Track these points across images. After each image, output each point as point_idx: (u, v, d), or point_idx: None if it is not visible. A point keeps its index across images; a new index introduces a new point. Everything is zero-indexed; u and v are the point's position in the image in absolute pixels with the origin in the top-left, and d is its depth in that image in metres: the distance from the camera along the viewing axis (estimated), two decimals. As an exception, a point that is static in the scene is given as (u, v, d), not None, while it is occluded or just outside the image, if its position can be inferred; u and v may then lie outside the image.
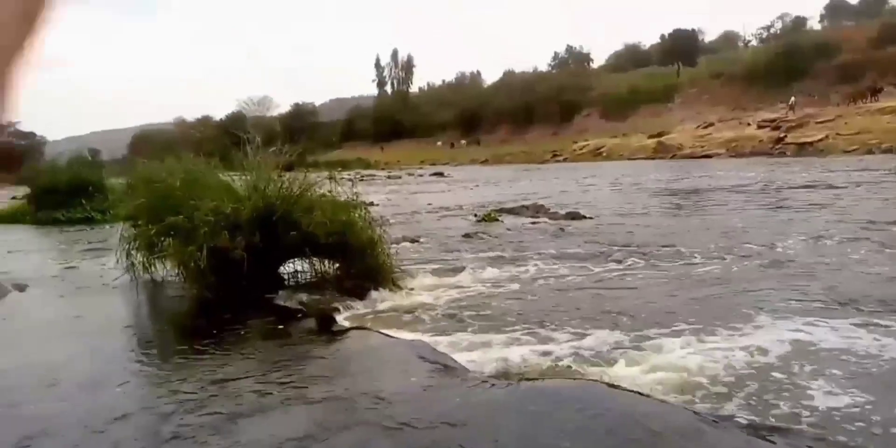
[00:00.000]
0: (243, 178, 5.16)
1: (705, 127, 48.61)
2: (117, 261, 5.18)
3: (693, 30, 76.43)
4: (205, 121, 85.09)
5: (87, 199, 12.49)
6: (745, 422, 2.38)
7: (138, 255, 5.10)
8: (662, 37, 77.43)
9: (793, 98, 45.20)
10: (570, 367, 3.09)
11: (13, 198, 19.07)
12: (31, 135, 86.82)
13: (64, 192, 12.69)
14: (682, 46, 71.45)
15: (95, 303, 5.12)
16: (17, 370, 3.37)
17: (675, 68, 70.97)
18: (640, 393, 2.63)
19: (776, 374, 2.93)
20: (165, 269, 5.14)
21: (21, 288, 5.54)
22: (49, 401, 2.84)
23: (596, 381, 2.80)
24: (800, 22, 77.97)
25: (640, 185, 17.77)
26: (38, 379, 3.15)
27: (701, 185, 16.75)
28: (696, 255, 6.22)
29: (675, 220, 9.56)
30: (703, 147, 43.24)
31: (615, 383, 2.73)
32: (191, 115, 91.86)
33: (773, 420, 2.45)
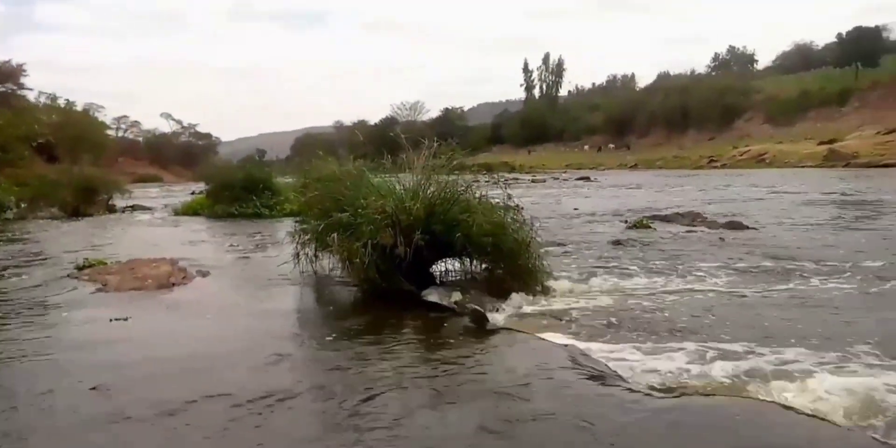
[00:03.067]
0: (404, 179, 5.37)
1: (887, 133, 43.95)
2: (291, 253, 5.58)
3: (877, 27, 68.84)
4: (361, 125, 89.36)
5: (257, 195, 13.66)
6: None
7: (306, 248, 5.48)
8: (839, 35, 70.50)
9: None
10: (732, 383, 2.93)
11: (192, 192, 21.19)
12: (208, 136, 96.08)
13: (238, 188, 13.99)
14: (863, 46, 64.52)
15: (265, 290, 5.59)
16: (204, 341, 3.77)
17: (852, 70, 64.55)
18: (816, 416, 2.45)
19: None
20: (330, 263, 5.48)
21: (204, 274, 6.17)
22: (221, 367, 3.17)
23: (769, 401, 2.63)
24: None
25: (809, 195, 16.37)
26: (218, 350, 3.52)
27: (882, 198, 15.11)
28: (874, 273, 5.66)
29: (850, 234, 8.70)
30: (883, 155, 39.05)
31: (789, 405, 2.55)
32: (348, 119, 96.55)
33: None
